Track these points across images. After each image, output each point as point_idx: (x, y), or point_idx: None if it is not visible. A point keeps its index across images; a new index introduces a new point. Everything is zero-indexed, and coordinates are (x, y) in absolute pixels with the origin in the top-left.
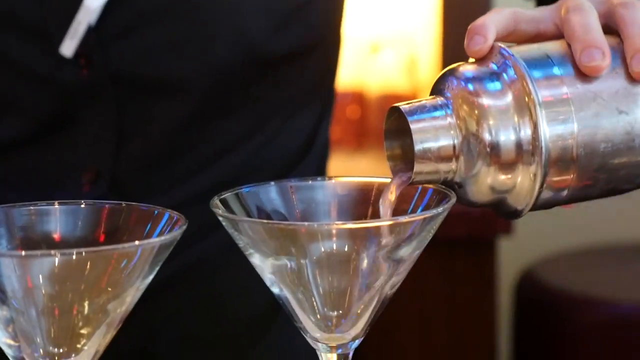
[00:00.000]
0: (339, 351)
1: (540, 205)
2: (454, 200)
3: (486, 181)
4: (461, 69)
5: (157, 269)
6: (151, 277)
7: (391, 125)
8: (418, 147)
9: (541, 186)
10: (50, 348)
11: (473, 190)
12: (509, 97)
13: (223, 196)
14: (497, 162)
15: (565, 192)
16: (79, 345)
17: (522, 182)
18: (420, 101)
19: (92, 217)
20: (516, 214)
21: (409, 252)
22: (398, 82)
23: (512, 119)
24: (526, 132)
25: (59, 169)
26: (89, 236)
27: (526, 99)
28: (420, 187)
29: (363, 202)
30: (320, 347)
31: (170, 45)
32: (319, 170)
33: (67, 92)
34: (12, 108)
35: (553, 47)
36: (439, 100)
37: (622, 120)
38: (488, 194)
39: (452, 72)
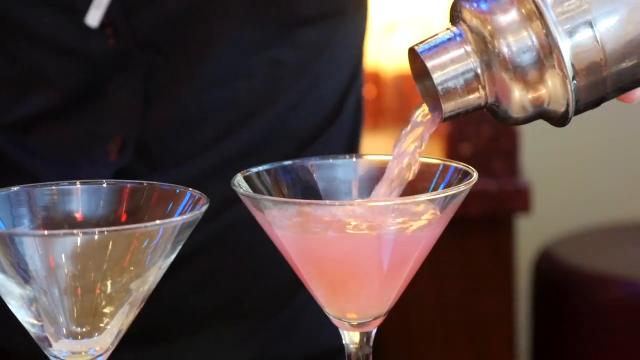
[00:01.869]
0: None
1: (585, 102)
2: (475, 178)
3: (519, 95)
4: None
5: (179, 247)
6: (173, 256)
7: (416, 66)
8: (440, 86)
9: (573, 78)
10: (73, 327)
11: (511, 108)
12: (514, 6)
13: (247, 174)
14: (522, 73)
15: (601, 78)
16: (101, 324)
17: (554, 85)
18: (433, 37)
19: (114, 196)
20: (565, 117)
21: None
22: None
23: (523, 26)
24: (539, 36)
25: (86, 140)
26: (111, 215)
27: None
28: (442, 165)
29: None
30: (343, 325)
31: (194, 9)
32: (350, 140)
33: (94, 63)
34: (41, 82)
35: None
36: (450, 31)
37: None
38: (528, 107)
39: None
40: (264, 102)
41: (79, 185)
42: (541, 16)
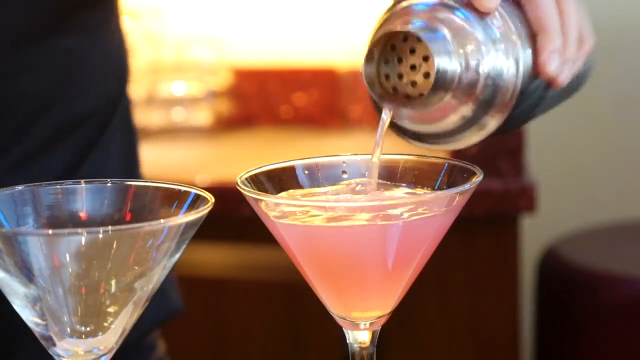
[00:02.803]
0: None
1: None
2: (480, 177)
3: None
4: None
5: (183, 247)
6: (178, 255)
7: (370, 69)
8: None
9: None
10: (77, 326)
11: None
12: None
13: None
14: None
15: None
16: (105, 324)
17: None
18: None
19: (118, 195)
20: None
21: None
22: None
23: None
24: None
25: None
26: (115, 215)
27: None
28: (447, 164)
29: (387, 177)
30: (347, 325)
31: None
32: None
33: None
34: None
35: None
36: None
37: None
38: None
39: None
40: (55, 95)
41: (83, 185)
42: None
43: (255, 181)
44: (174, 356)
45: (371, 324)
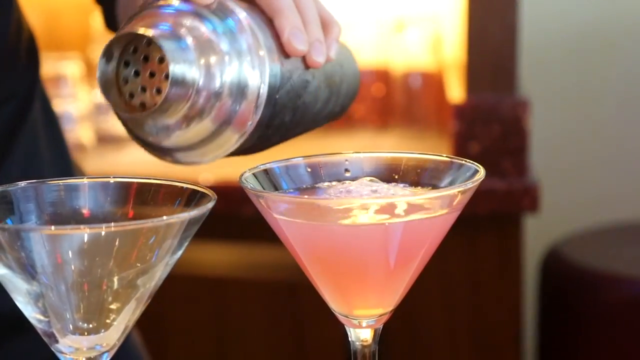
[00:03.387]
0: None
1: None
2: (482, 174)
3: None
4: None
5: (186, 244)
6: (180, 252)
7: (107, 68)
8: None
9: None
10: (80, 323)
11: None
12: None
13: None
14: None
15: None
16: (108, 321)
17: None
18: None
19: (121, 192)
20: None
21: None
22: (423, 60)
23: None
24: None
25: None
26: (118, 212)
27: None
28: (449, 162)
29: (389, 175)
30: (349, 323)
31: None
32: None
33: None
34: None
35: None
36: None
37: None
38: None
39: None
40: None
41: (86, 182)
42: None
43: (258, 178)
44: (176, 355)
45: (373, 322)
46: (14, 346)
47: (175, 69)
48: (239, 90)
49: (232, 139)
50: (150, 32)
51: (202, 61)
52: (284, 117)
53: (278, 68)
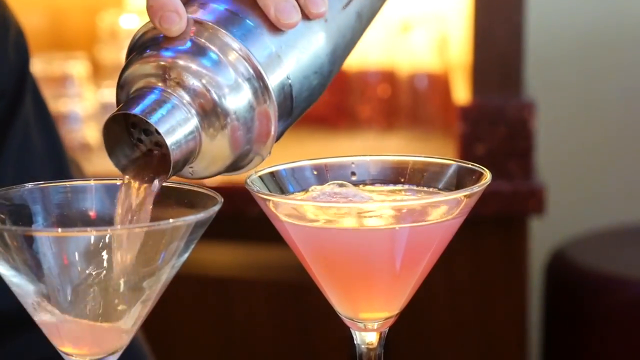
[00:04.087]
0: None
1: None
2: (489, 179)
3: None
4: (165, 51)
5: (192, 246)
6: (186, 255)
7: (110, 138)
8: (173, 148)
9: None
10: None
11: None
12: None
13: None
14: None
15: None
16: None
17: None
18: (142, 98)
19: None
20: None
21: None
22: (429, 61)
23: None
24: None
25: None
26: None
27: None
28: (455, 165)
29: (396, 178)
30: (354, 326)
31: None
32: None
33: None
34: None
35: None
36: (157, 89)
37: None
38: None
39: (153, 56)
40: None
41: (92, 183)
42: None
43: (264, 181)
44: (181, 355)
45: (379, 325)
46: (16, 344)
47: (171, 139)
48: (248, 125)
49: (259, 155)
50: (141, 115)
51: (205, 125)
52: (303, 101)
53: (280, 77)
